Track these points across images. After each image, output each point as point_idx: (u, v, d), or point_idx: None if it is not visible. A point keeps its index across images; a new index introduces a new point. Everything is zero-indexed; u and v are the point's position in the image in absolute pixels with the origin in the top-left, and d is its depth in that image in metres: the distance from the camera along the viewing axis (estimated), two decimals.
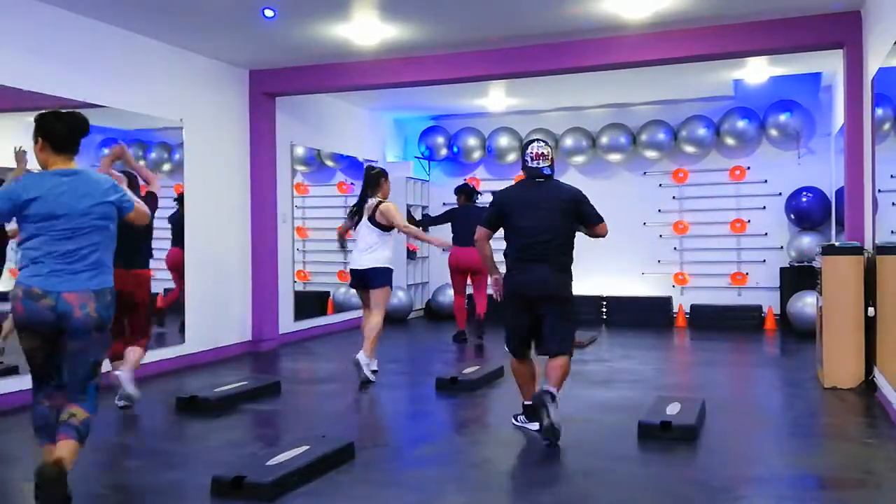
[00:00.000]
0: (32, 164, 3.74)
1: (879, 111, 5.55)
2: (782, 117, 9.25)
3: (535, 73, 7.43)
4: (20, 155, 4.55)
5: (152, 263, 5.72)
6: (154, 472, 4.02)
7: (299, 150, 9.28)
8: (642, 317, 9.66)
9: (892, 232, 5.23)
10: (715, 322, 9.38)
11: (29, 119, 6.35)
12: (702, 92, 9.35)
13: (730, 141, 9.56)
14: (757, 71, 8.28)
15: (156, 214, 5.47)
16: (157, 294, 7.11)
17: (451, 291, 10.38)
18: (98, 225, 3.48)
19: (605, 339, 8.63)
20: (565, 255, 4.63)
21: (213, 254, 7.52)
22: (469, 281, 8.63)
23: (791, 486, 3.74)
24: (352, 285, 6.70)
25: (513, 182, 8.88)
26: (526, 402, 4.74)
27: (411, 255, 10.73)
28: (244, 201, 8.04)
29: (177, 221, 7.20)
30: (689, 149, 9.71)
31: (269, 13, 6.09)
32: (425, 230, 8.68)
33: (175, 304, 7.27)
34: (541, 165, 4.69)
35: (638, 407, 5.02)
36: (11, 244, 5.44)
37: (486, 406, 5.58)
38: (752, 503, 3.50)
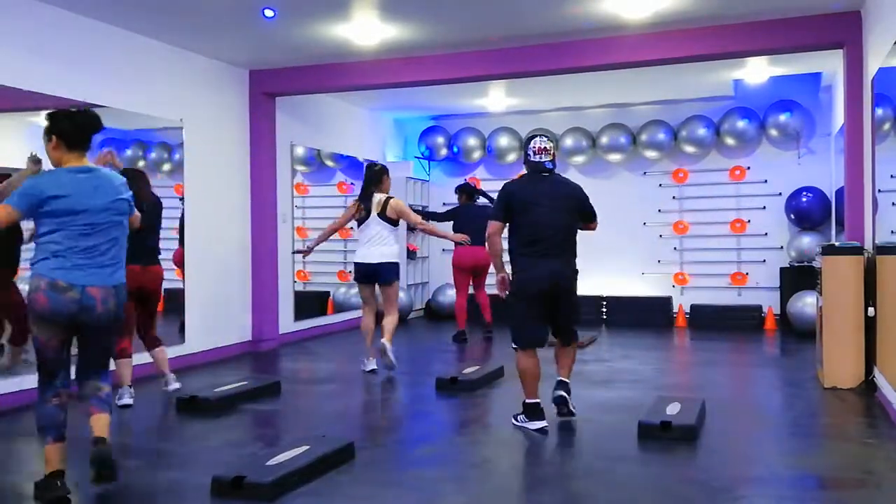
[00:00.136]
0: (44, 163, 3.78)
1: (879, 111, 5.55)
2: (782, 117, 9.25)
3: (535, 73, 7.43)
4: (35, 161, 4.58)
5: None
6: (154, 472, 4.02)
7: (299, 150, 9.29)
8: (642, 317, 9.66)
9: (892, 232, 5.23)
10: (715, 322, 9.38)
11: (29, 119, 6.39)
12: (702, 92, 9.35)
13: (730, 141, 9.56)
14: (757, 71, 8.28)
15: (163, 214, 5.80)
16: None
17: (451, 291, 10.42)
18: (115, 220, 3.62)
19: (605, 339, 8.63)
20: (573, 249, 4.79)
21: (213, 254, 7.52)
22: (470, 281, 8.66)
23: (791, 486, 3.74)
24: (358, 280, 6.71)
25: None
26: (528, 401, 4.74)
27: (411, 255, 10.73)
28: (244, 201, 8.04)
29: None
30: (689, 149, 9.71)
31: (269, 13, 6.09)
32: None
33: (175, 304, 7.27)
34: (544, 160, 4.78)
35: (638, 407, 5.02)
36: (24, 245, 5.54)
37: (486, 406, 5.58)
38: (752, 503, 3.50)
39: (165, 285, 5.95)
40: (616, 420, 4.94)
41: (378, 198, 6.61)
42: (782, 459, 4.24)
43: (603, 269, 9.63)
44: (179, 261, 7.28)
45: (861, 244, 5.91)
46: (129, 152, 7.29)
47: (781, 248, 9.42)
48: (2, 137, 6.03)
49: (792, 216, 9.23)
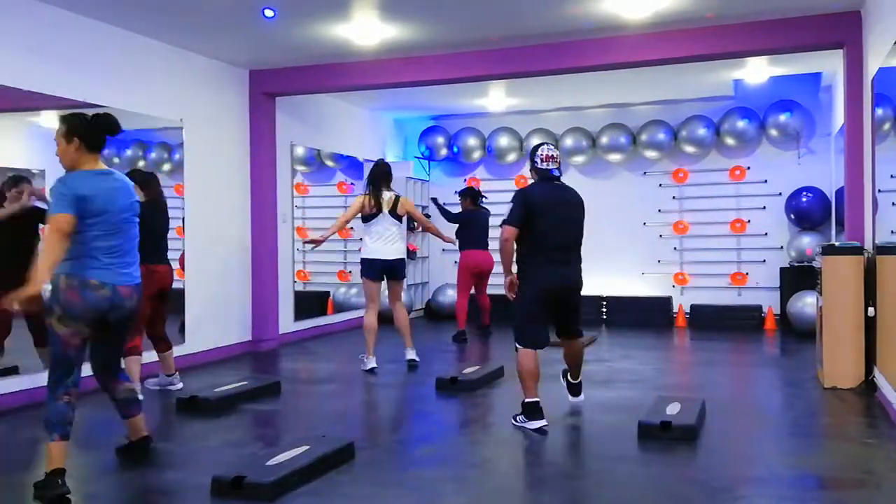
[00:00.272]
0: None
1: (879, 111, 5.55)
2: (782, 117, 9.25)
3: (535, 73, 7.43)
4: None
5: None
6: (154, 472, 4.02)
7: (299, 150, 9.28)
8: (642, 317, 9.67)
9: (892, 232, 5.23)
10: (715, 322, 9.38)
11: (29, 119, 6.39)
12: (702, 92, 9.35)
13: (730, 141, 9.56)
14: (757, 71, 8.28)
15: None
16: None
17: (451, 291, 10.46)
18: (133, 221, 3.80)
19: (605, 339, 8.63)
20: (580, 254, 5.01)
21: (213, 254, 7.52)
22: (473, 283, 8.80)
23: (791, 486, 3.74)
24: (371, 276, 6.73)
25: (513, 182, 9.03)
26: (528, 401, 4.75)
27: (411, 255, 10.71)
28: (244, 201, 8.04)
29: None
30: (689, 149, 9.71)
31: (269, 13, 6.09)
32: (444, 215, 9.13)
33: (175, 304, 7.27)
34: (551, 167, 4.94)
35: (638, 407, 5.02)
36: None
37: (486, 406, 5.58)
38: (752, 503, 3.50)
39: None
40: (616, 420, 4.94)
41: (389, 195, 6.70)
42: (782, 459, 4.24)
43: (603, 269, 9.62)
44: None
45: (861, 244, 5.91)
46: (129, 152, 7.29)
47: (781, 248, 9.42)
48: (2, 137, 6.03)
49: (792, 216, 9.23)
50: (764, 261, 9.56)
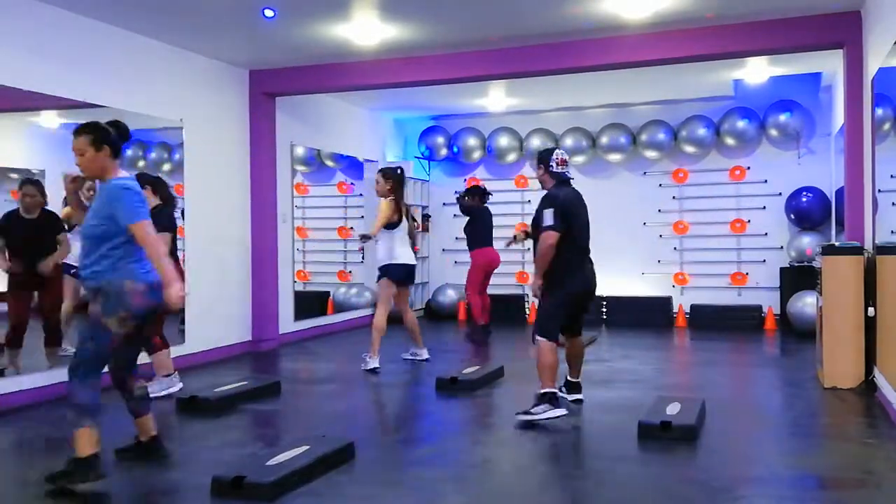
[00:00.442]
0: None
1: (879, 111, 5.55)
2: (782, 117, 9.25)
3: (535, 73, 7.44)
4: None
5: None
6: (154, 472, 4.02)
7: (299, 150, 9.29)
8: (642, 317, 9.67)
9: (892, 232, 5.23)
10: (715, 322, 9.38)
11: (29, 119, 6.39)
12: (702, 92, 9.35)
13: (730, 141, 9.56)
14: (757, 71, 8.28)
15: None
16: None
17: (451, 292, 10.48)
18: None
19: (605, 339, 8.63)
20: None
21: (213, 254, 7.52)
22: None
23: (791, 486, 3.74)
24: (399, 280, 6.89)
25: (513, 182, 9.03)
26: (551, 391, 4.86)
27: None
28: (244, 201, 8.04)
29: None
30: (689, 149, 9.71)
31: (269, 13, 6.09)
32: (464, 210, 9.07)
33: None
34: (564, 170, 5.15)
35: (638, 407, 5.02)
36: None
37: (486, 406, 5.58)
38: (751, 503, 3.50)
39: None
40: (616, 420, 4.94)
41: (406, 203, 7.07)
42: (782, 459, 4.24)
43: (603, 269, 9.48)
44: None
45: (861, 244, 5.91)
46: (129, 152, 7.29)
47: (781, 248, 9.42)
48: (2, 137, 6.03)
49: (792, 216, 9.23)
50: (764, 261, 9.56)
